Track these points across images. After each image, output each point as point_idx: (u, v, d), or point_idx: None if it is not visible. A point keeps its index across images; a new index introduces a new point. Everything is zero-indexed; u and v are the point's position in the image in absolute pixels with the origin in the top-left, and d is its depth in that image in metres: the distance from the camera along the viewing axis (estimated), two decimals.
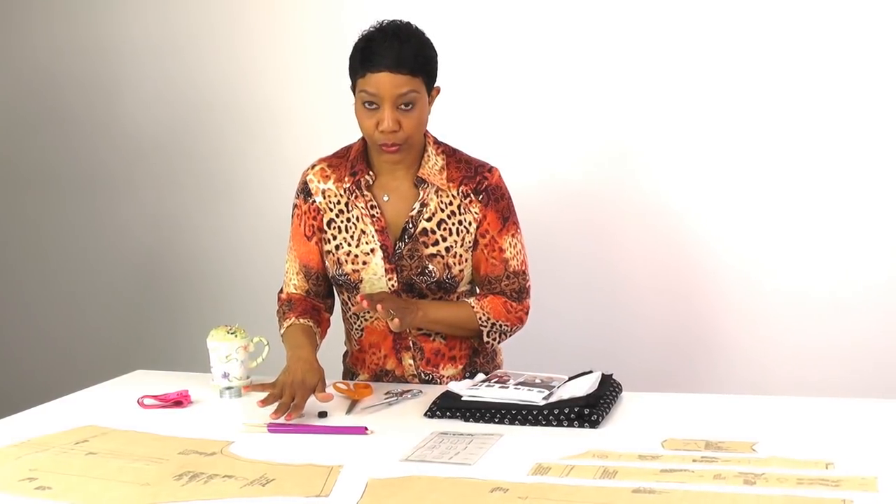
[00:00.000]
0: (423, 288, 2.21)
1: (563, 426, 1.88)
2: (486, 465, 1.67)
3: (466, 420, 1.93)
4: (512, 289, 2.25)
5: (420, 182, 2.20)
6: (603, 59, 3.10)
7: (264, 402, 1.95)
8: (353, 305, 2.29)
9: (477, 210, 2.21)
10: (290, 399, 1.94)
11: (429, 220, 2.20)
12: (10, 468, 1.70)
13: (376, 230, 2.20)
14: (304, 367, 2.03)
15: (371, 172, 2.22)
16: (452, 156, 2.24)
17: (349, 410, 2.03)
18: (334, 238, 2.24)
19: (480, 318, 2.22)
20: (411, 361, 2.27)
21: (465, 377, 2.23)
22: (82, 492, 1.59)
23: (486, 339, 2.24)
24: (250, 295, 3.40)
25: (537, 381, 2.03)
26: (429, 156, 2.21)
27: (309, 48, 3.37)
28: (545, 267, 2.83)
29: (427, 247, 2.20)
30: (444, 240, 2.20)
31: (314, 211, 2.26)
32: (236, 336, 2.19)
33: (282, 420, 1.91)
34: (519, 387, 1.98)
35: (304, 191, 2.27)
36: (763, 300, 3.05)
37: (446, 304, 2.23)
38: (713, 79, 3.02)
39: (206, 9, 3.47)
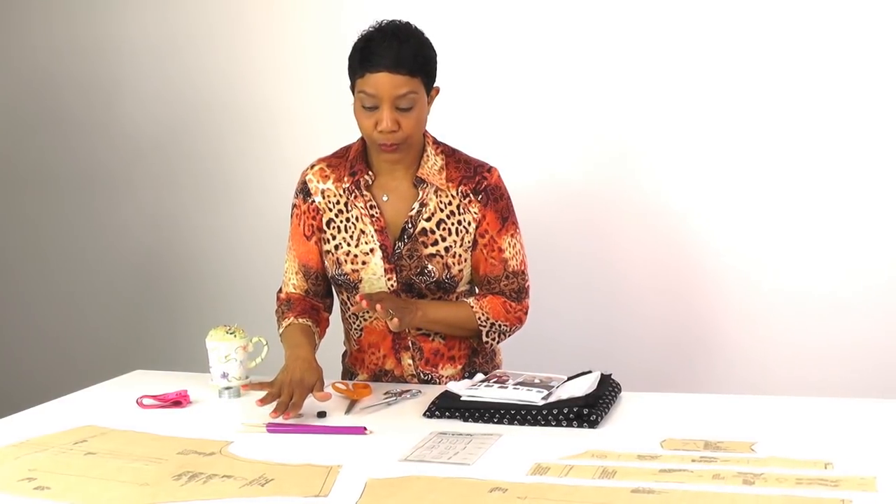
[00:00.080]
0: (422, 288, 2.21)
1: (562, 426, 1.88)
2: (485, 465, 1.67)
3: (465, 420, 1.93)
4: (511, 289, 2.25)
5: (419, 182, 2.20)
6: (603, 59, 3.10)
7: (263, 402, 1.95)
8: (352, 305, 2.29)
9: (476, 210, 2.21)
10: (288, 398, 1.94)
11: (428, 219, 2.20)
12: (9, 468, 1.69)
13: (375, 230, 2.20)
14: (302, 367, 2.03)
15: (370, 172, 2.22)
16: (452, 156, 2.24)
17: (348, 410, 2.03)
18: (333, 238, 2.24)
19: (479, 318, 2.22)
20: (410, 361, 2.27)
21: (464, 377, 2.23)
22: (81, 492, 1.59)
23: (485, 339, 2.24)
24: (249, 295, 3.40)
25: (536, 381, 2.03)
26: (428, 156, 2.21)
27: (308, 48, 3.37)
28: (544, 267, 2.83)
29: (426, 247, 2.20)
30: (444, 240, 2.20)
31: (313, 211, 2.26)
32: (235, 336, 2.19)
33: (280, 419, 1.91)
34: (518, 387, 1.98)
35: (304, 191, 2.27)
36: (762, 300, 3.05)
37: (445, 304, 2.23)
38: (713, 79, 3.02)
39: (205, 9, 3.47)
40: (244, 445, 1.80)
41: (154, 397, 2.10)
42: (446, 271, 2.21)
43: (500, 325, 2.24)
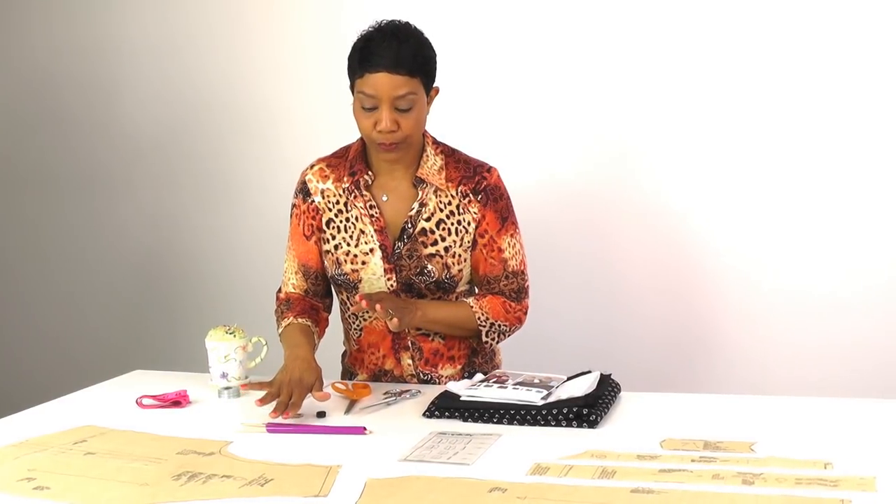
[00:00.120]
0: (421, 288, 2.21)
1: (562, 426, 1.88)
2: (484, 465, 1.67)
3: (465, 420, 1.93)
4: (511, 289, 2.25)
5: (419, 182, 2.20)
6: (602, 59, 3.10)
7: (262, 402, 1.95)
8: (351, 305, 2.29)
9: (476, 210, 2.21)
10: (287, 398, 1.94)
11: (428, 219, 2.20)
12: (9, 468, 1.69)
13: (375, 230, 2.20)
14: (301, 366, 2.03)
15: (370, 172, 2.21)
16: (451, 156, 2.24)
17: (348, 410, 2.03)
18: (333, 238, 2.24)
19: (479, 318, 2.22)
20: (410, 361, 2.27)
21: (463, 377, 2.23)
22: (81, 492, 1.59)
23: (484, 338, 2.24)
24: (249, 295, 3.40)
25: (536, 381, 2.03)
26: (427, 156, 2.21)
27: (308, 48, 3.37)
28: (544, 267, 2.83)
29: (426, 247, 2.20)
30: (443, 240, 2.20)
31: (313, 211, 2.26)
32: (235, 336, 2.19)
33: (280, 419, 1.91)
34: (517, 387, 1.98)
35: (303, 190, 2.27)
36: (762, 300, 3.05)
37: (445, 304, 2.23)
38: (713, 79, 3.02)
39: (205, 9, 3.47)
40: (243, 445, 1.80)
41: (153, 397, 2.10)
42: (446, 271, 2.21)
43: (499, 325, 2.24)
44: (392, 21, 2.12)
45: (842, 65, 2.91)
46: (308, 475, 1.63)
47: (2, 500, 1.56)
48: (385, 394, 2.13)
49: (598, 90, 3.11)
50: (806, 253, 3.00)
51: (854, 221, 2.96)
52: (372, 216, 2.21)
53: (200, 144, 3.55)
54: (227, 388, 2.16)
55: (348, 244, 2.22)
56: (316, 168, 2.28)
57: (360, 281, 2.23)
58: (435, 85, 2.16)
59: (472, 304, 2.23)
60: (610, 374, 2.11)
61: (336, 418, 1.98)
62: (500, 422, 1.91)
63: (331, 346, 2.37)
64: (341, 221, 2.23)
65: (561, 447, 1.74)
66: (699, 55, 3.02)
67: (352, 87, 2.12)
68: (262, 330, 2.32)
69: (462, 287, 2.27)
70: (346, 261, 2.23)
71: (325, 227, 2.25)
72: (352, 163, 2.23)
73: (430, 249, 2.20)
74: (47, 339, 3.83)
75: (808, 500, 1.44)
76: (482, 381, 2.04)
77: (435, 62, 2.15)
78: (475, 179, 2.21)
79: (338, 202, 2.24)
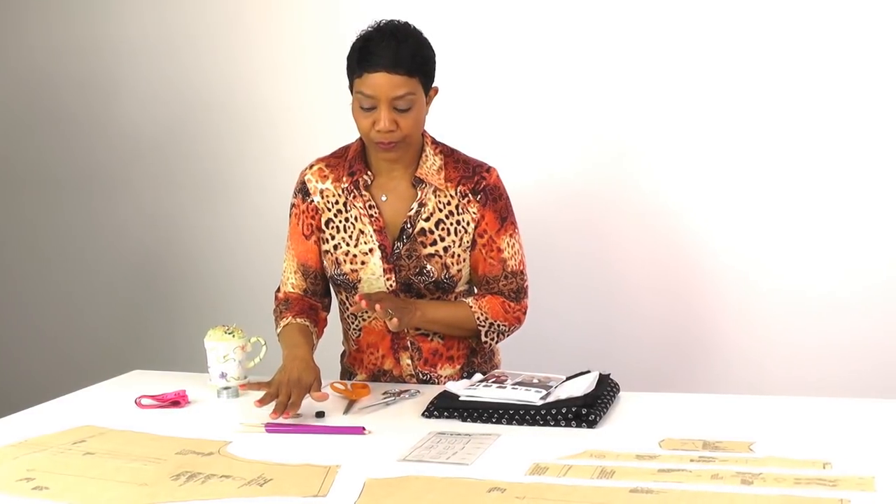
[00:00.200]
0: (421, 288, 2.21)
1: (561, 426, 1.88)
2: (483, 465, 1.67)
3: (464, 420, 1.93)
4: (510, 289, 2.25)
5: (418, 182, 2.20)
6: (601, 59, 3.10)
7: (261, 402, 1.95)
8: (351, 305, 2.29)
9: (475, 210, 2.21)
10: (286, 398, 1.94)
11: (427, 219, 2.20)
12: (8, 468, 1.69)
13: (374, 230, 2.20)
14: (300, 366, 2.03)
15: (369, 172, 2.21)
16: (450, 156, 2.24)
17: (347, 410, 2.03)
18: (332, 238, 2.24)
19: (478, 318, 2.22)
20: (409, 361, 2.27)
21: (462, 377, 2.23)
22: (80, 492, 1.59)
23: (483, 339, 2.24)
24: (248, 295, 3.40)
25: (535, 380, 2.03)
26: (427, 156, 2.21)
27: (307, 48, 3.37)
28: (543, 267, 2.83)
29: (425, 247, 2.20)
30: (443, 240, 2.20)
31: (312, 210, 2.26)
32: (234, 336, 2.20)
33: (279, 419, 1.91)
34: (516, 387, 1.98)
35: (302, 190, 2.27)
36: (761, 300, 3.05)
37: (444, 304, 2.23)
38: (712, 79, 3.02)
39: (203, 9, 3.47)
40: (243, 445, 1.80)
41: (152, 397, 2.10)
42: (445, 271, 2.21)
43: (498, 325, 2.24)
44: (391, 21, 2.12)
45: (839, 65, 2.92)
46: (307, 475, 1.63)
47: (1, 500, 1.56)
48: (384, 394, 2.13)
49: (596, 90, 3.11)
50: (804, 253, 3.00)
51: (852, 221, 2.96)
52: (371, 216, 2.21)
53: (199, 144, 3.54)
54: (226, 388, 2.16)
55: (347, 244, 2.22)
56: (315, 168, 2.28)
57: (359, 281, 2.23)
58: (434, 85, 2.16)
59: (471, 304, 2.23)
60: (609, 374, 2.11)
61: (335, 418, 1.98)
62: (499, 422, 1.91)
63: (330, 346, 2.36)
64: (340, 221, 2.23)
65: (560, 447, 1.74)
66: (697, 55, 3.02)
67: (351, 87, 2.12)
68: (261, 330, 2.32)
69: (461, 287, 2.27)
70: (345, 261, 2.23)
71: (324, 227, 2.25)
72: (351, 163, 2.23)
73: (430, 249, 2.20)
74: (46, 339, 3.82)
75: (806, 500, 1.44)
76: (481, 381, 2.04)
77: (434, 62, 2.15)
78: (474, 179, 2.21)
79: (337, 202, 2.24)
